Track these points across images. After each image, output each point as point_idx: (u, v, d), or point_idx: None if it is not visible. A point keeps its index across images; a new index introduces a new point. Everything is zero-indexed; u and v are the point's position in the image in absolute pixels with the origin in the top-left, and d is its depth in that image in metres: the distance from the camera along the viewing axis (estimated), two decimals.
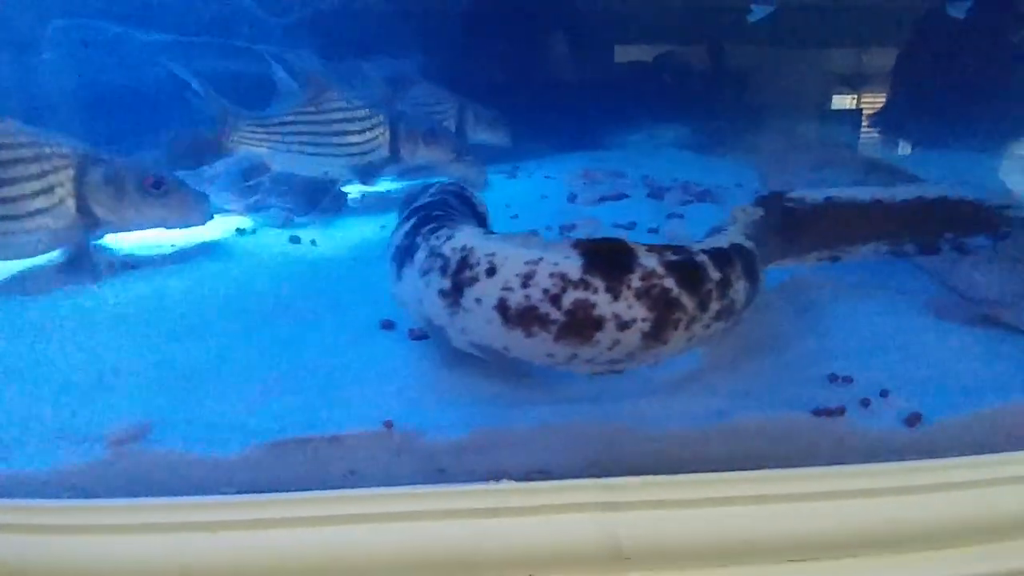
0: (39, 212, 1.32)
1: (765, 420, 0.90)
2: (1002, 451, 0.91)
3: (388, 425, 0.85)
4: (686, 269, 0.87)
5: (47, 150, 1.33)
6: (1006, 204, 1.21)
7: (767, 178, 2.15)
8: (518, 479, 0.84)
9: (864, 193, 1.23)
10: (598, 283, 0.84)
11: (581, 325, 0.84)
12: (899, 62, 2.73)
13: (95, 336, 1.09)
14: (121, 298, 1.23)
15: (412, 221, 1.03)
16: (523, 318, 0.85)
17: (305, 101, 1.97)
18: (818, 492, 0.84)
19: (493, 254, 0.88)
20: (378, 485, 0.82)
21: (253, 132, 1.99)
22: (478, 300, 0.87)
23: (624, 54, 2.99)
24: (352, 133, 1.98)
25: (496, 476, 0.84)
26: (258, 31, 2.52)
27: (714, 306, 0.89)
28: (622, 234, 1.61)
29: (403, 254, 0.99)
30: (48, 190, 1.32)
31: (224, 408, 0.89)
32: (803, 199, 1.21)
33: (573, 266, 0.85)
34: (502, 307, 0.86)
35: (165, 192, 1.41)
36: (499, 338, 0.88)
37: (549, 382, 0.96)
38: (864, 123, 2.91)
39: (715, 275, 0.89)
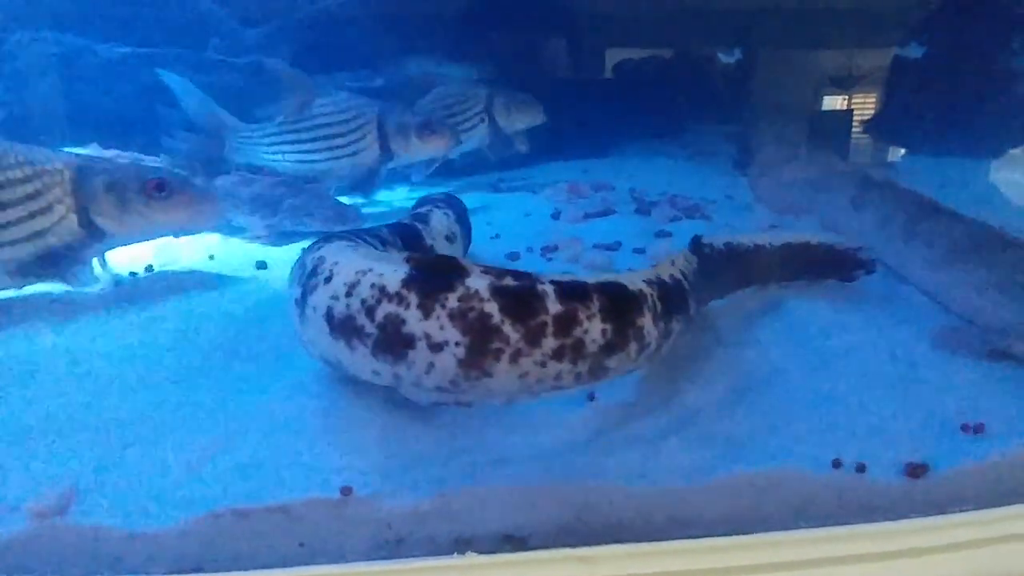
0: (39, 233, 1.25)
1: (756, 474, 0.82)
2: (1017, 504, 0.83)
3: (346, 492, 0.77)
4: (515, 296, 0.79)
5: (38, 167, 1.25)
6: (859, 247, 1.35)
7: (759, 190, 2.07)
8: (485, 548, 0.76)
9: (751, 239, 1.29)
10: (412, 298, 0.79)
11: (391, 341, 0.79)
12: (892, 68, 2.67)
13: (26, 385, 1.00)
14: (60, 341, 1.13)
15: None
16: (343, 328, 0.82)
17: (292, 106, 1.94)
18: (817, 559, 0.77)
19: (336, 263, 0.87)
20: (330, 561, 0.74)
21: (248, 143, 1.97)
22: (314, 308, 0.86)
23: (613, 59, 2.93)
24: (337, 136, 1.93)
25: (461, 546, 0.76)
26: (231, 42, 2.45)
27: (549, 343, 0.79)
28: (606, 256, 1.55)
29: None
30: (47, 209, 1.25)
31: (159, 471, 0.80)
32: (712, 244, 1.20)
33: (394, 278, 0.80)
34: (328, 315, 0.84)
35: (170, 194, 1.31)
36: (331, 349, 0.86)
37: (521, 434, 0.88)
38: (858, 129, 2.85)
39: (554, 308, 0.79)
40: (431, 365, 0.79)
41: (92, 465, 0.81)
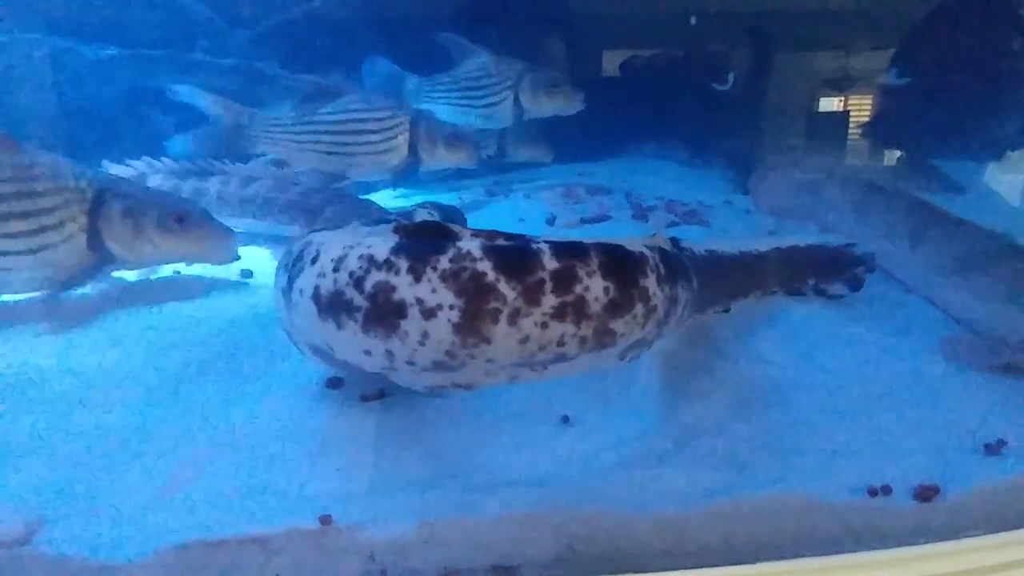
0: (46, 247, 1.25)
1: (758, 499, 0.78)
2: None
3: (326, 521, 0.72)
4: (509, 254, 0.74)
5: (60, 182, 1.26)
6: (851, 243, 1.29)
7: (758, 195, 2.04)
8: None
9: (735, 245, 1.22)
10: (402, 263, 0.74)
11: (382, 310, 0.74)
12: (891, 69, 2.64)
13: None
14: (29, 358, 1.09)
15: None
16: (332, 306, 0.76)
17: (324, 101, 1.95)
18: None
19: (322, 243, 0.81)
20: None
21: (272, 132, 1.95)
22: (301, 291, 0.80)
23: (610, 61, 2.90)
24: (369, 132, 1.92)
25: None
26: (220, 43, 2.41)
27: (549, 300, 0.74)
28: None
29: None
30: (58, 225, 1.25)
31: (129, 498, 0.76)
32: (691, 249, 1.10)
33: (383, 248, 0.75)
34: (316, 295, 0.78)
35: (187, 227, 1.33)
36: (319, 333, 0.80)
37: (511, 458, 0.84)
38: (857, 133, 2.82)
39: (551, 264, 0.74)
40: (425, 335, 0.73)
41: (58, 490, 0.77)
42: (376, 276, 0.74)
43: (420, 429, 0.87)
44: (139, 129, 2.19)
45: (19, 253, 1.23)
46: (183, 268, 1.48)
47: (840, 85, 2.93)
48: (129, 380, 1.00)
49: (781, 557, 0.75)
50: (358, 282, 0.75)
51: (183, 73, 2.30)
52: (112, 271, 1.38)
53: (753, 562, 0.75)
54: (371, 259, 0.75)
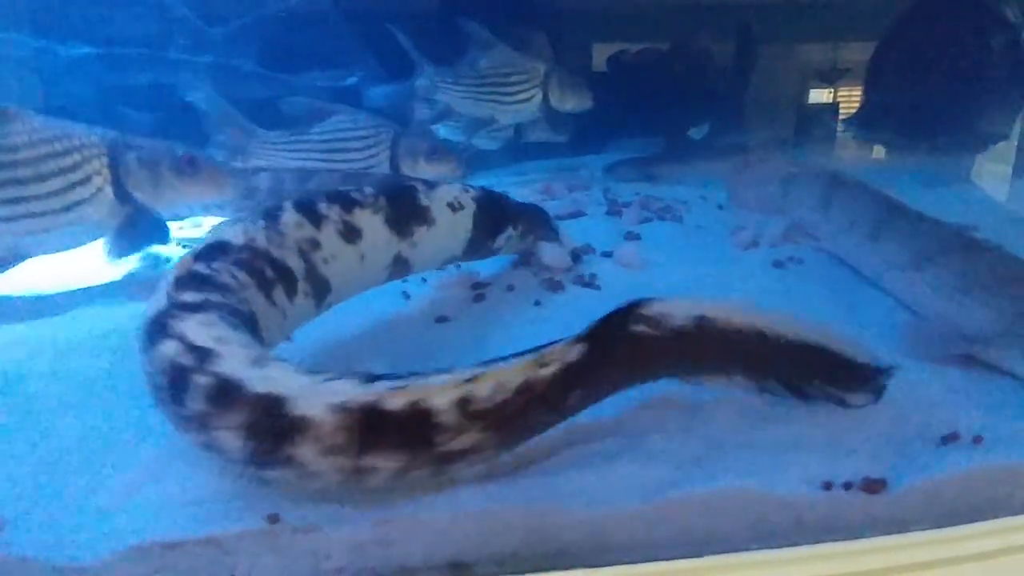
0: (78, 203, 1.32)
1: (710, 493, 0.79)
2: (974, 521, 0.81)
3: (273, 520, 0.74)
4: None
5: (77, 141, 1.33)
6: (884, 367, 0.92)
7: (734, 189, 2.05)
8: None
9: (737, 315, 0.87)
10: None
11: None
12: (873, 64, 2.65)
13: None
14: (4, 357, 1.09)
15: None
16: None
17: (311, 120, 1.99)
18: None
19: None
20: None
21: (267, 149, 1.99)
22: None
23: (597, 56, 2.89)
24: (352, 151, 1.97)
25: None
26: (197, 41, 2.40)
27: None
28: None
29: None
30: (85, 180, 1.32)
31: (89, 500, 0.77)
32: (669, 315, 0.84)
33: None
34: None
35: (198, 170, 1.41)
36: None
37: None
38: (839, 127, 2.84)
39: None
40: None
41: (20, 493, 0.77)
42: None
43: None
44: (115, 129, 2.19)
45: (54, 212, 1.30)
46: None
47: (828, 77, 2.94)
48: (94, 384, 1.01)
49: (732, 550, 0.77)
50: None
51: (159, 72, 2.30)
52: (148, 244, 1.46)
53: (705, 555, 0.76)
54: None
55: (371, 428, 0.70)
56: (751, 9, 2.84)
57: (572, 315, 1.26)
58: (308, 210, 1.09)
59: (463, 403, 0.72)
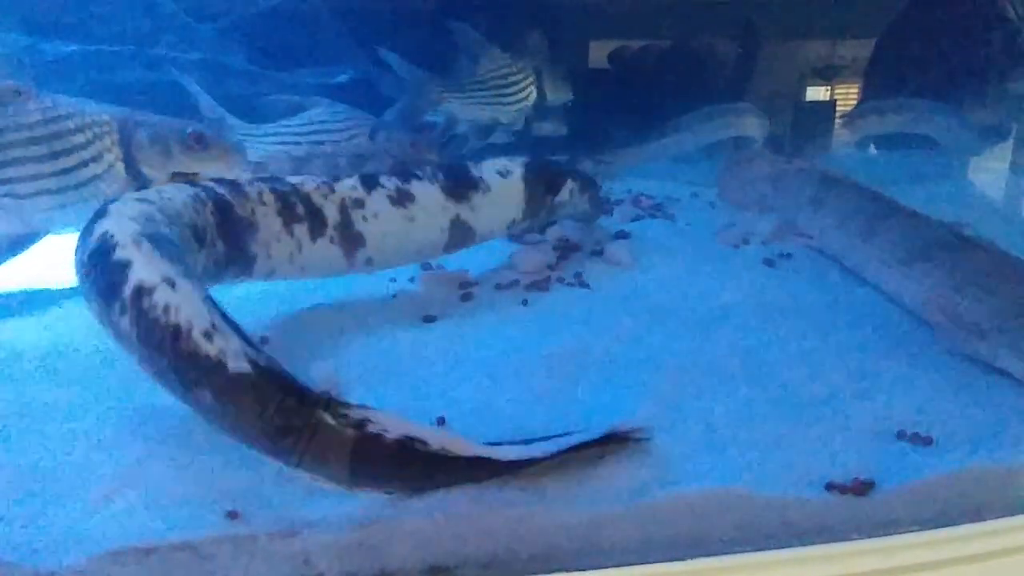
0: (92, 180, 1.33)
1: (694, 495, 0.78)
2: (964, 523, 0.80)
3: (233, 515, 0.72)
4: None
5: (89, 118, 1.34)
6: None
7: (724, 186, 2.04)
8: None
9: None
10: None
11: None
12: (868, 62, 2.65)
13: None
14: None
15: None
16: None
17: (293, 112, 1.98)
18: None
19: None
20: None
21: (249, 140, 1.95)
22: None
23: (593, 53, 2.87)
24: (329, 143, 1.94)
25: None
26: (185, 38, 2.38)
27: None
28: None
29: None
30: (98, 157, 1.33)
31: (63, 508, 0.75)
32: None
33: None
34: None
35: (207, 146, 1.42)
36: None
37: None
38: (833, 123, 2.82)
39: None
40: None
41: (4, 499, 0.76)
42: None
43: None
44: None
45: (67, 189, 1.31)
46: None
47: (826, 74, 2.93)
48: (73, 385, 0.99)
49: (717, 553, 0.76)
50: None
51: (147, 69, 2.27)
52: None
53: (690, 558, 0.75)
54: None
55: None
56: (750, 5, 2.82)
57: (561, 315, 1.25)
58: (368, 179, 1.25)
59: None
